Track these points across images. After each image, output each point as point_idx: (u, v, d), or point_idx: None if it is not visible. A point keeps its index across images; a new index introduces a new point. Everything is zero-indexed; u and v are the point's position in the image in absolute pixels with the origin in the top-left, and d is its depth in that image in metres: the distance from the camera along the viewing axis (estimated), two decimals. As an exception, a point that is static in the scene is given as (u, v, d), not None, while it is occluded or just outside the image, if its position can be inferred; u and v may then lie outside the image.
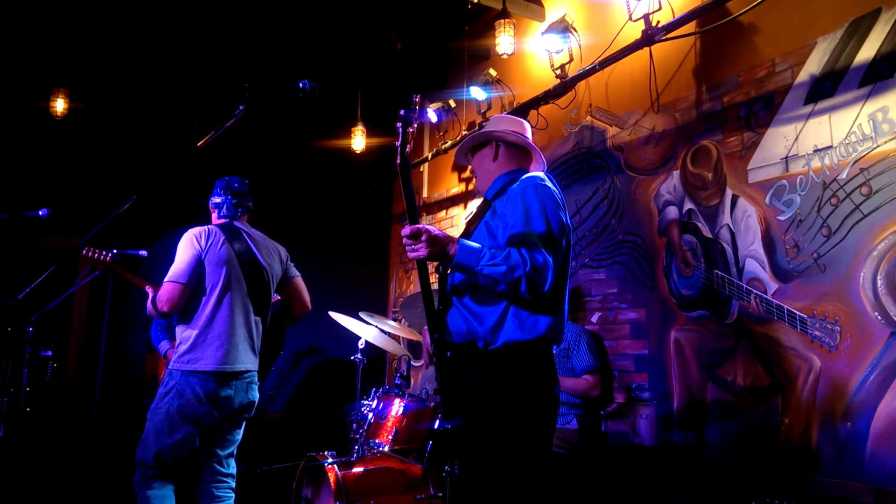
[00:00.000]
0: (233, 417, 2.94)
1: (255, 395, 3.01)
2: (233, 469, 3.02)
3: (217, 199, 3.11)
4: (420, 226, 1.90)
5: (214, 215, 3.13)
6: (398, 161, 1.91)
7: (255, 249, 3.04)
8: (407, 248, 1.93)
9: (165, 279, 2.85)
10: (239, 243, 3.00)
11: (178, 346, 2.87)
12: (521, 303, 1.99)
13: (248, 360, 2.93)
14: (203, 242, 2.92)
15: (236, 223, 3.08)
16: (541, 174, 2.15)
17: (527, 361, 2.00)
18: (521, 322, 1.99)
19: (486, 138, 2.30)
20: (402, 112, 1.91)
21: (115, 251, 3.28)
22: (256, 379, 3.01)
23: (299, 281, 3.27)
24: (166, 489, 2.82)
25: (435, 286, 2.23)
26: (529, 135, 2.34)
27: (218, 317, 2.87)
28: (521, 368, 1.98)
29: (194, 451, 2.87)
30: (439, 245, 1.91)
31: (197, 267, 2.87)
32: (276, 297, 3.23)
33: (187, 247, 2.89)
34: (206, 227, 2.98)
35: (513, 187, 2.11)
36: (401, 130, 1.91)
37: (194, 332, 2.84)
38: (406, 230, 1.92)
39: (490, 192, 2.24)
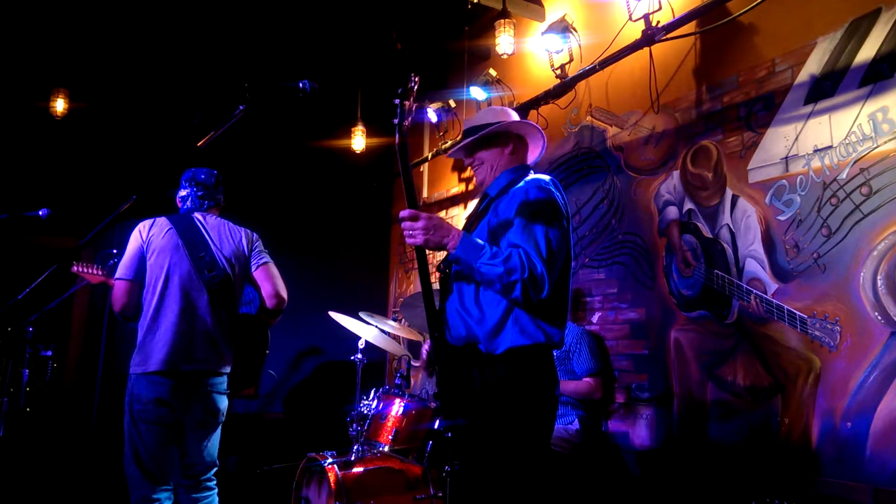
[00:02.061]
0: (197, 425, 2.66)
1: (221, 403, 2.73)
2: (211, 473, 2.76)
3: (182, 192, 2.92)
4: (419, 212, 1.89)
5: (180, 208, 2.95)
6: (396, 140, 1.87)
7: (207, 236, 2.79)
8: (405, 232, 1.92)
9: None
10: (188, 230, 2.75)
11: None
12: (522, 309, 1.97)
13: (205, 360, 2.65)
14: (146, 234, 2.72)
15: (195, 213, 2.86)
16: (546, 178, 2.10)
17: (528, 365, 1.98)
18: (522, 328, 1.97)
19: (501, 131, 2.20)
20: (399, 90, 1.88)
21: (114, 251, 3.27)
22: (222, 384, 2.74)
23: (268, 267, 2.89)
24: None
25: (436, 286, 2.22)
26: (514, 118, 2.26)
27: (162, 312, 2.63)
28: (522, 371, 1.97)
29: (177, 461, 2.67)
30: (438, 235, 1.90)
31: (140, 261, 2.68)
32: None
33: (132, 240, 2.72)
34: (154, 218, 2.79)
35: (517, 188, 2.07)
36: (399, 107, 1.86)
37: (142, 332, 2.64)
38: (404, 212, 1.90)
39: (493, 189, 2.19)
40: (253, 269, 2.89)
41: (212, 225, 2.86)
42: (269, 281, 2.86)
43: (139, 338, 2.65)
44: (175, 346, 2.60)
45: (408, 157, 1.90)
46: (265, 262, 2.91)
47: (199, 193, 2.90)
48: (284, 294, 2.88)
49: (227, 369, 2.76)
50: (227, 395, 2.78)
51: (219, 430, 2.79)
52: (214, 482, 2.80)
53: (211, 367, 2.68)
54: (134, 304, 2.68)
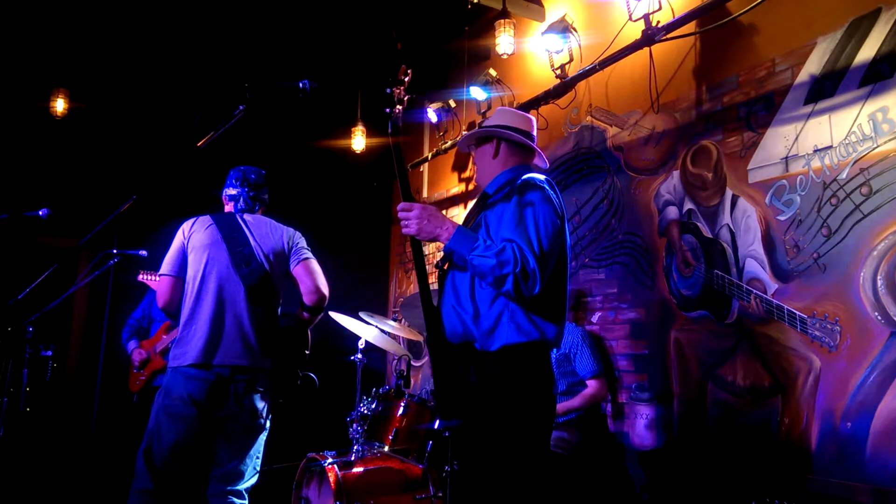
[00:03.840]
0: (233, 421, 2.61)
1: (257, 402, 2.65)
2: (240, 485, 2.63)
3: (232, 191, 2.89)
4: (414, 203, 1.96)
5: (229, 207, 2.90)
6: (389, 129, 1.97)
7: (248, 231, 2.77)
8: (401, 222, 1.98)
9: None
10: (229, 226, 2.75)
11: None
12: (519, 307, 1.98)
13: (239, 356, 2.60)
14: (188, 231, 2.76)
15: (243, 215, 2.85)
16: (541, 177, 2.12)
17: (524, 363, 1.99)
18: (518, 326, 1.97)
19: (488, 134, 2.28)
20: (391, 78, 1.97)
21: (114, 251, 3.26)
22: (259, 382, 2.66)
23: (309, 263, 2.82)
24: None
25: (434, 286, 2.23)
26: (535, 129, 2.33)
27: (199, 306, 2.63)
28: (518, 370, 1.97)
29: (193, 465, 2.58)
30: (432, 225, 1.96)
31: (183, 257, 2.72)
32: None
33: (176, 237, 2.77)
34: (197, 216, 2.81)
35: (512, 186, 2.09)
36: (391, 97, 1.95)
37: (180, 326, 2.65)
38: (400, 205, 1.97)
39: (490, 188, 2.23)
40: (293, 266, 2.83)
41: (254, 222, 2.83)
42: (310, 276, 2.79)
43: (179, 332, 2.66)
44: (210, 340, 2.58)
45: (401, 150, 1.97)
46: (306, 258, 2.84)
47: (251, 195, 2.89)
48: (325, 290, 2.81)
49: (266, 366, 2.69)
50: (268, 394, 2.70)
51: (258, 441, 2.70)
52: (239, 502, 2.63)
53: (246, 363, 2.62)
54: (177, 299, 2.70)
